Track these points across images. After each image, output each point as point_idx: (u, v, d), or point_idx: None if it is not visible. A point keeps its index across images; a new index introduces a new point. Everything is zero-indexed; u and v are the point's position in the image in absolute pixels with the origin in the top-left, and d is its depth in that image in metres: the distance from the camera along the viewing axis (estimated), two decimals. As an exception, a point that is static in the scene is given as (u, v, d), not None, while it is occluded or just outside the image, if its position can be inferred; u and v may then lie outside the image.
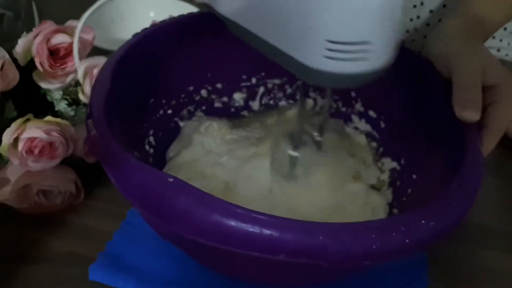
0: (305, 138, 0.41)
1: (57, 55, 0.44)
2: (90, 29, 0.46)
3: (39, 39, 0.43)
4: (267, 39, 0.31)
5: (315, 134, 0.42)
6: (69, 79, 0.44)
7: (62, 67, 0.44)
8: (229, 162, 0.43)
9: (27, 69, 0.44)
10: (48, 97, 0.45)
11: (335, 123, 0.48)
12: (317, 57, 0.29)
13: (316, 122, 0.42)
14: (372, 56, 0.29)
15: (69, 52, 0.44)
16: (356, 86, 0.31)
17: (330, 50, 0.28)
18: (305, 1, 0.28)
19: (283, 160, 0.41)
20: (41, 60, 0.43)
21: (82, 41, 0.45)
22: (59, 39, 0.43)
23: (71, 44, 0.44)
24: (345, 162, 0.45)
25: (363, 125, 0.49)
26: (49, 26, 0.43)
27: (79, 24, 0.43)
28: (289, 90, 0.52)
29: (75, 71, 0.44)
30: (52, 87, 0.44)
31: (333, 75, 0.29)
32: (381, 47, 0.29)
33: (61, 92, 0.44)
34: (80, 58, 0.44)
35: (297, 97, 0.52)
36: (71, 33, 0.45)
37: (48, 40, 0.43)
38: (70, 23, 0.45)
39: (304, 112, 0.47)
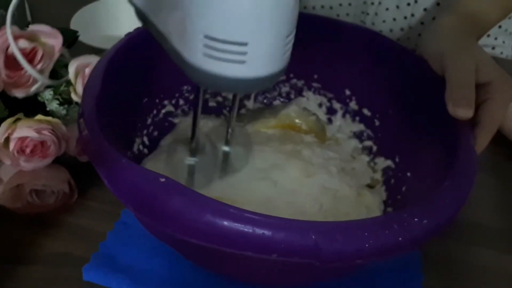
0: (206, 147, 0.39)
1: (18, 62, 0.42)
2: (56, 32, 0.44)
3: None
4: (160, 29, 0.30)
5: (222, 146, 0.40)
6: (33, 88, 0.43)
7: (23, 74, 0.42)
8: None
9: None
10: (39, 98, 0.44)
11: (242, 134, 0.45)
12: (195, 53, 0.28)
13: (221, 131, 0.40)
14: (252, 60, 0.27)
15: (31, 58, 0.42)
16: (239, 92, 0.29)
17: (208, 46, 0.27)
18: None
19: (181, 169, 0.39)
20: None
21: (46, 47, 0.43)
22: (19, 45, 0.41)
23: (33, 49, 0.42)
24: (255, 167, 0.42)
25: (356, 126, 0.49)
26: (5, 33, 0.41)
27: (7, 19, 0.40)
28: (283, 89, 0.52)
29: (36, 80, 0.42)
30: (17, 95, 0.42)
31: (212, 75, 0.28)
32: (263, 52, 0.27)
33: (52, 92, 0.44)
34: (45, 64, 0.42)
35: (291, 96, 0.52)
36: (33, 38, 0.43)
37: (7, 48, 0.41)
38: (32, 27, 0.44)
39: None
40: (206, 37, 0.27)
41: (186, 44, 0.28)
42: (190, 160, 0.38)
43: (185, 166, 0.39)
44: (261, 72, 0.28)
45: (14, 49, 0.40)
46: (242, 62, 0.27)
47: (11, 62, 0.42)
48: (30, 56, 0.42)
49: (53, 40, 0.44)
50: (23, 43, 0.42)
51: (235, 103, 0.37)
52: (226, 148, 0.40)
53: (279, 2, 0.27)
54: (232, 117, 0.38)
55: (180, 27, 0.28)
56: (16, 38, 0.41)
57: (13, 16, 0.52)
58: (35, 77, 0.42)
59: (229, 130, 0.40)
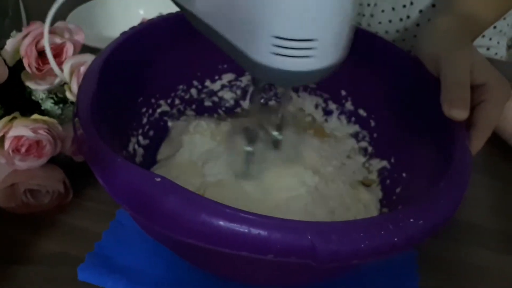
0: (262, 135, 0.41)
1: (46, 57, 0.43)
2: (79, 29, 0.45)
3: (28, 40, 0.42)
4: (222, 33, 0.31)
5: (274, 132, 0.41)
6: (57, 80, 0.43)
7: (50, 68, 0.43)
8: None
9: (15, 68, 0.43)
10: (33, 97, 0.44)
11: (293, 120, 0.48)
12: (264, 53, 0.29)
13: (275, 120, 0.42)
14: (320, 54, 0.29)
15: (58, 53, 0.44)
16: (303, 83, 0.30)
17: (277, 46, 0.28)
18: None
19: (238, 156, 0.41)
20: (29, 62, 0.42)
21: (72, 42, 0.44)
22: (52, 40, 0.43)
23: (60, 45, 0.43)
24: (305, 160, 0.44)
25: (351, 127, 0.50)
26: (38, 27, 0.43)
27: (46, 25, 0.41)
28: (279, 90, 0.52)
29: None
30: (40, 88, 0.43)
31: (280, 71, 0.29)
32: (329, 45, 0.29)
33: (45, 91, 0.44)
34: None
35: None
36: (60, 34, 0.44)
37: (37, 42, 0.43)
38: (59, 24, 0.45)
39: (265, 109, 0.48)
40: (275, 37, 0.28)
41: (252, 44, 0.29)
42: (248, 148, 0.40)
43: (242, 153, 0.40)
44: (326, 63, 0.30)
45: (46, 44, 0.42)
46: (310, 56, 0.28)
47: (40, 56, 0.44)
48: (57, 50, 0.43)
49: (77, 35, 0.45)
50: (55, 39, 0.43)
51: (287, 93, 0.39)
52: (278, 134, 0.42)
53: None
54: (284, 105, 0.41)
55: (245, 29, 0.29)
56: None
57: (8, 15, 0.51)
58: (56, 72, 0.43)
59: (281, 117, 0.41)
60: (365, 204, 0.43)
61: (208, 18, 0.32)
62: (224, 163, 0.42)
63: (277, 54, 0.28)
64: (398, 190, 0.43)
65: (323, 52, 0.29)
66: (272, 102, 0.53)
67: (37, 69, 0.43)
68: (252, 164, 0.41)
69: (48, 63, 0.43)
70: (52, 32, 0.43)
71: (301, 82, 0.31)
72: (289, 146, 0.43)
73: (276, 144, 0.42)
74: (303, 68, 0.29)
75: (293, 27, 0.28)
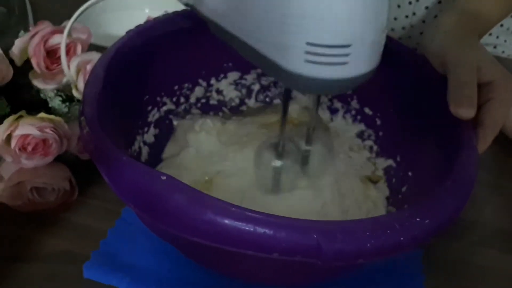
0: (291, 148, 0.39)
1: (54, 56, 0.44)
2: (86, 29, 0.45)
3: (36, 40, 0.42)
4: (248, 42, 0.30)
5: (302, 144, 0.40)
6: (65, 79, 0.44)
7: (59, 67, 0.43)
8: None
9: (22, 67, 0.43)
10: (42, 95, 0.44)
11: (323, 133, 0.46)
12: (297, 61, 0.28)
13: (303, 131, 0.40)
14: (354, 60, 0.28)
15: (66, 52, 0.43)
16: (338, 92, 0.29)
17: (311, 53, 0.27)
18: (285, 2, 0.27)
19: (267, 172, 0.40)
20: (38, 61, 0.42)
21: (79, 41, 0.44)
22: (57, 40, 0.43)
23: (68, 44, 0.43)
24: (332, 176, 0.43)
25: (357, 126, 0.49)
26: (46, 27, 0.43)
27: (68, 26, 0.41)
28: (309, 99, 0.51)
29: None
30: (48, 87, 0.43)
31: (314, 80, 0.28)
32: (364, 51, 0.28)
33: (54, 90, 0.44)
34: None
35: (292, 94, 0.52)
36: (68, 34, 0.44)
37: (45, 42, 0.43)
38: (64, 23, 0.45)
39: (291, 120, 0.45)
40: (308, 43, 0.27)
41: (285, 53, 0.28)
42: (276, 163, 0.39)
43: (271, 169, 0.39)
44: (361, 70, 0.29)
45: (62, 46, 0.42)
46: (345, 63, 0.28)
47: (48, 55, 0.44)
48: (65, 50, 0.43)
49: (83, 35, 0.45)
50: (61, 38, 0.43)
51: (319, 102, 0.37)
52: (307, 147, 0.40)
53: (380, 5, 0.27)
54: (315, 115, 0.39)
55: (277, 38, 0.28)
56: (53, 33, 0.43)
57: (14, 13, 0.52)
58: (66, 73, 0.43)
59: (311, 129, 0.40)
60: (374, 201, 0.43)
61: (234, 29, 0.31)
62: (249, 179, 0.41)
63: (312, 62, 0.27)
64: (404, 189, 0.43)
65: (358, 58, 0.28)
66: (277, 101, 0.52)
67: (47, 68, 0.43)
68: (281, 180, 0.40)
69: (56, 62, 0.43)
70: (59, 32, 0.43)
71: (336, 91, 0.30)
72: (317, 159, 0.42)
73: (305, 158, 0.41)
74: (338, 76, 0.28)
75: (328, 33, 0.27)
